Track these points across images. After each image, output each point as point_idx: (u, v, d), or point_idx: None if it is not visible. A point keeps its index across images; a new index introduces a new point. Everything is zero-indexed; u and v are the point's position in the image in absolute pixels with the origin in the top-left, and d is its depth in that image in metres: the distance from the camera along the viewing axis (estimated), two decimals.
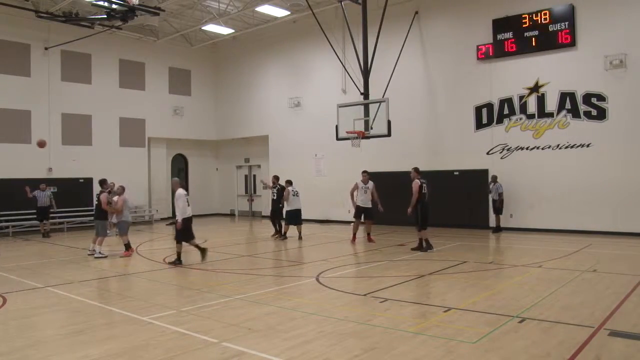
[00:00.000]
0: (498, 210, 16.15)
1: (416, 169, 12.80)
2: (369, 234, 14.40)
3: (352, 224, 14.81)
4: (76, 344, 5.91)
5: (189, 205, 11.37)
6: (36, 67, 20.18)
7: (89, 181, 20.66)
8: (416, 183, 12.43)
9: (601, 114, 15.03)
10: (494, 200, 16.18)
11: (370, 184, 14.35)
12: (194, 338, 5.97)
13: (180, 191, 11.41)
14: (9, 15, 18.76)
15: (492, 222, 16.55)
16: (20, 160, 19.29)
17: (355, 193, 14.48)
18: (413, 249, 12.68)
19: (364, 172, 14.57)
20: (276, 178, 16.72)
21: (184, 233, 11.36)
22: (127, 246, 12.86)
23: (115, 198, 13.04)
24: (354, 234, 14.43)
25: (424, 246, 12.55)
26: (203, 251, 11.45)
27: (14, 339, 6.22)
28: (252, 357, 5.31)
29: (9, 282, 9.77)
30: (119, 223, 13.10)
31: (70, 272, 10.78)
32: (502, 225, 16.27)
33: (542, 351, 5.30)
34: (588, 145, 15.29)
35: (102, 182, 13.44)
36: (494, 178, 16.20)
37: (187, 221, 11.36)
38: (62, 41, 20.09)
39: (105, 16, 15.10)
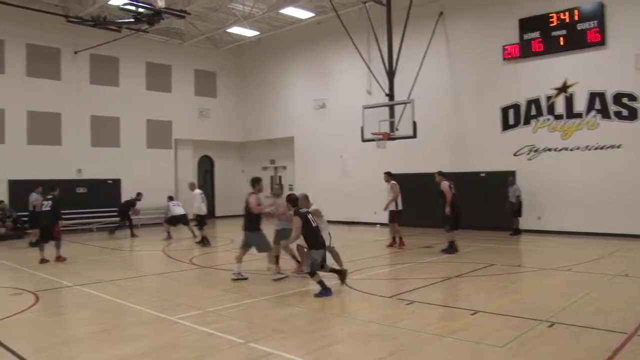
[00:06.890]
0: (516, 213, 15.82)
1: (440, 172, 12.84)
2: (400, 239, 13.71)
3: (397, 229, 13.73)
4: (105, 342, 6.02)
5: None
6: (66, 71, 20.65)
7: (117, 182, 21.03)
8: (445, 183, 12.44)
9: (632, 114, 14.67)
10: (511, 203, 15.83)
11: (389, 184, 13.61)
12: (220, 338, 6.02)
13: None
14: (40, 21, 19.20)
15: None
16: (51, 161, 19.77)
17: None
18: (443, 251, 12.48)
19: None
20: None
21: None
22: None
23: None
24: (401, 238, 13.67)
25: (451, 248, 12.38)
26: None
27: (45, 336, 6.37)
28: (278, 358, 5.33)
29: (41, 281, 10.01)
30: (282, 230, 10.14)
31: (100, 271, 10.99)
32: (530, 227, 16.00)
33: (572, 356, 5.20)
34: (619, 147, 14.94)
35: (255, 181, 10.07)
36: (512, 180, 15.89)
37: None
38: (91, 45, 20.46)
39: (133, 20, 15.36)
